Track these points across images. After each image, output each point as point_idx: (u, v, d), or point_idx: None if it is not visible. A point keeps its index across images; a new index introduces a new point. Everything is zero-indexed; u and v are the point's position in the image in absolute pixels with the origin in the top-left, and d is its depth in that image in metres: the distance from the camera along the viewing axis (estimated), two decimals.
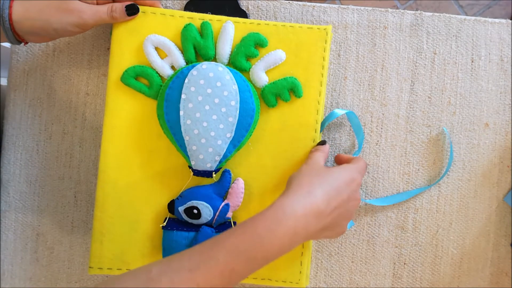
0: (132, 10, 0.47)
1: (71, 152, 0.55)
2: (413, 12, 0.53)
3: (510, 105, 0.53)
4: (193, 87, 0.46)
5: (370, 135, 0.53)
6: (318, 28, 0.48)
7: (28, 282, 0.55)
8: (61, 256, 0.55)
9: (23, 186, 0.55)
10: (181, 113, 0.46)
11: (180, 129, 0.46)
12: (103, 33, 0.54)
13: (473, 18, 0.53)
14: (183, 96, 0.46)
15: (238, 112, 0.46)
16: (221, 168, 0.49)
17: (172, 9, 0.53)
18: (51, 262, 0.55)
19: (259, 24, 0.49)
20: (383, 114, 0.53)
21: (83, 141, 0.54)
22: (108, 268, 0.49)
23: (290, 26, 0.48)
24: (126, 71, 0.48)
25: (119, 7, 0.46)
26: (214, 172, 0.48)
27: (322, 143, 0.48)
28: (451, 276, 0.53)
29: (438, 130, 0.53)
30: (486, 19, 0.53)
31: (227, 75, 0.46)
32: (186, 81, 0.46)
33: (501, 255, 0.53)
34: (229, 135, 0.47)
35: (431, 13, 0.53)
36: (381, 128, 0.53)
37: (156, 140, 0.49)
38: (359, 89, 0.53)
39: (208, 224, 0.48)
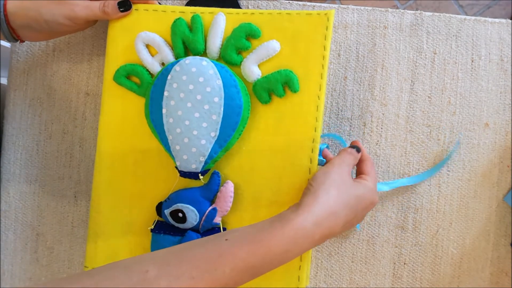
0: (124, 7, 0.46)
1: (71, 152, 0.55)
2: (413, 12, 0.53)
3: (510, 105, 0.53)
4: (176, 84, 0.44)
5: (370, 135, 0.53)
6: (318, 14, 0.44)
7: (28, 282, 0.55)
8: (61, 256, 0.55)
9: (23, 186, 0.55)
10: (164, 111, 0.44)
11: (164, 127, 0.44)
12: (103, 33, 0.54)
13: (473, 18, 0.53)
14: (165, 93, 0.44)
15: (222, 109, 0.43)
16: (209, 169, 0.46)
17: None
18: (51, 262, 0.55)
19: (253, 13, 0.45)
20: (383, 114, 0.53)
21: (83, 141, 0.54)
22: None
23: (286, 13, 0.45)
24: (118, 70, 0.47)
25: (112, 2, 0.46)
26: (200, 174, 0.45)
27: (354, 147, 0.45)
28: (451, 276, 0.53)
29: (438, 130, 0.53)
30: (486, 19, 0.53)
31: (210, 70, 0.43)
32: (169, 77, 0.44)
33: (501, 255, 0.53)
34: (214, 134, 0.43)
35: (431, 13, 0.53)
36: (381, 128, 0.53)
37: (149, 140, 0.47)
38: (359, 89, 0.53)
39: (195, 229, 0.46)
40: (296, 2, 0.53)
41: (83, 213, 0.54)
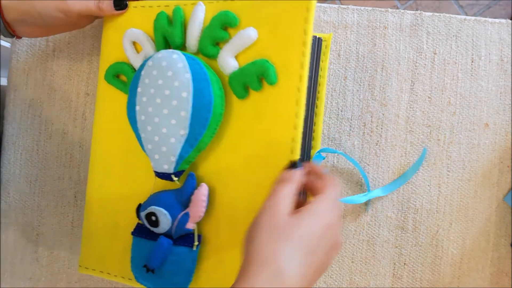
0: (120, 5, 0.46)
1: (71, 152, 0.55)
2: (413, 12, 0.53)
3: (510, 105, 0.53)
4: (148, 79, 0.41)
5: (370, 135, 0.53)
6: None
7: (28, 282, 0.55)
8: (61, 256, 0.55)
9: (23, 186, 0.55)
10: (137, 108, 0.42)
11: (137, 125, 0.42)
12: None
13: (473, 18, 0.53)
14: (139, 89, 0.42)
15: (191, 105, 0.39)
16: (183, 171, 0.42)
17: None
18: (51, 262, 0.55)
19: (233, 1, 0.41)
20: (383, 114, 0.53)
21: (83, 141, 0.54)
22: (92, 269, 0.48)
23: None
24: (107, 69, 0.47)
25: (108, 1, 0.46)
26: (174, 175, 0.42)
27: (294, 165, 0.36)
28: (451, 276, 0.53)
29: (438, 130, 0.53)
30: (486, 19, 0.53)
31: (180, 63, 0.40)
32: (142, 73, 0.42)
33: (501, 255, 0.53)
34: (183, 132, 0.40)
35: (431, 13, 0.53)
36: (381, 128, 0.53)
37: (135, 140, 0.44)
38: (359, 89, 0.53)
39: (168, 234, 0.42)
40: None
41: (83, 213, 0.54)
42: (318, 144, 0.50)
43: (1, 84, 0.63)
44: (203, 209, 0.41)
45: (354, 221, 0.53)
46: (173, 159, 0.41)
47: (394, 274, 0.53)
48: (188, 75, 0.40)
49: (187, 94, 0.39)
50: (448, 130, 0.53)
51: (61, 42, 0.55)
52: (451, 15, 0.53)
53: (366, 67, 0.53)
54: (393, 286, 0.53)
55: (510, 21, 0.53)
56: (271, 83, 0.39)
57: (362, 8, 0.53)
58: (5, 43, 0.71)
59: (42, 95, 0.55)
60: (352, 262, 0.53)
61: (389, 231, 0.53)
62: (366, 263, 0.53)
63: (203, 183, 0.42)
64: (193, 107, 0.39)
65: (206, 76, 0.40)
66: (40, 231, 0.55)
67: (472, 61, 0.53)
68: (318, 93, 0.50)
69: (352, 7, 0.53)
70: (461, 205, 0.53)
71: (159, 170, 0.42)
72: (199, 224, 0.43)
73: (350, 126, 0.53)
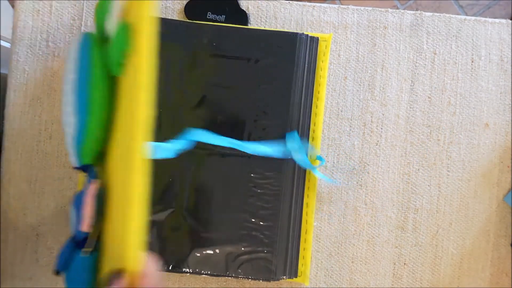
0: None
1: None
2: (413, 12, 0.53)
3: (510, 105, 0.53)
4: (68, 66, 0.38)
5: (370, 135, 0.53)
6: None
7: (28, 282, 0.55)
8: None
9: (23, 186, 0.55)
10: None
11: None
12: None
13: (473, 18, 0.53)
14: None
15: (75, 88, 0.35)
16: (89, 165, 0.37)
17: (172, 9, 0.52)
18: (51, 262, 0.55)
19: None
20: (383, 114, 0.53)
21: None
22: None
23: None
24: None
25: None
26: (82, 170, 0.38)
27: (114, 277, 0.29)
28: (451, 276, 0.53)
29: (438, 130, 0.53)
30: (486, 19, 0.53)
31: (75, 43, 0.37)
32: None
33: (501, 255, 0.53)
34: (72, 119, 0.36)
35: (431, 13, 0.53)
36: (381, 128, 0.53)
37: None
38: (359, 89, 0.53)
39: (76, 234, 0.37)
40: (296, 2, 0.53)
41: None
42: (318, 144, 0.50)
43: (2, 73, 0.63)
44: (89, 212, 0.35)
45: (354, 221, 0.53)
46: (72, 150, 0.37)
47: (394, 274, 0.53)
48: (75, 55, 0.36)
49: (74, 75, 0.35)
50: (448, 130, 0.53)
51: (61, 41, 0.55)
52: (451, 15, 0.53)
53: (366, 67, 0.53)
54: (393, 286, 0.53)
55: (510, 21, 0.53)
56: (122, 49, 0.31)
57: (362, 8, 0.53)
58: (5, 43, 0.71)
59: (42, 95, 0.55)
60: (352, 262, 0.53)
61: (389, 231, 0.53)
62: (366, 263, 0.53)
63: (93, 180, 0.35)
64: (78, 90, 0.35)
65: (86, 54, 0.35)
66: (40, 231, 0.55)
67: (472, 61, 0.53)
68: (318, 93, 0.50)
69: (352, 7, 0.53)
70: (461, 205, 0.53)
71: (72, 164, 0.38)
72: (104, 228, 0.36)
73: (350, 126, 0.53)
